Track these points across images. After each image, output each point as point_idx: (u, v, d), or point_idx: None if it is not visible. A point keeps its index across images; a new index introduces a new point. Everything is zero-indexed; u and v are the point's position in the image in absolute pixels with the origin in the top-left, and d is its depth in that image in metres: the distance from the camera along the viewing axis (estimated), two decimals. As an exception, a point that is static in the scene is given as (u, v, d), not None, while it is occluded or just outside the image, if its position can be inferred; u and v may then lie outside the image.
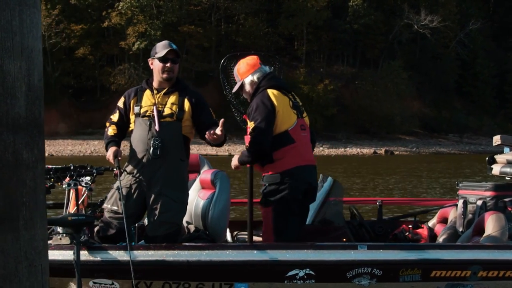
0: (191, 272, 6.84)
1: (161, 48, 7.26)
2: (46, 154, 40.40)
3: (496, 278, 6.96)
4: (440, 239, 8.13)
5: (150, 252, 6.85)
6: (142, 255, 6.82)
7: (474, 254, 6.99)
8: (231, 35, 79.73)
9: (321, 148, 68.86)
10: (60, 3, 73.28)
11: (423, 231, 8.55)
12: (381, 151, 69.58)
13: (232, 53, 8.39)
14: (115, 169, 7.14)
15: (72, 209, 7.50)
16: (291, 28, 78.46)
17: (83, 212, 7.40)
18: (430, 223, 8.73)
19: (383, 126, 76.05)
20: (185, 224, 7.65)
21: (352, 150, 69.79)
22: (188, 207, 7.50)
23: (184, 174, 7.30)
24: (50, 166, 7.43)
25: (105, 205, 7.40)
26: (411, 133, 78.68)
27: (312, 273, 6.78)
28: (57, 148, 64.39)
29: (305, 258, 6.81)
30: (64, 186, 7.45)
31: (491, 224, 7.40)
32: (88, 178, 7.58)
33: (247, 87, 7.52)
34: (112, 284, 6.91)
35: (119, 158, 7.12)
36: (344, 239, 7.59)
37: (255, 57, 7.59)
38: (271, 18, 79.49)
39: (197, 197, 7.62)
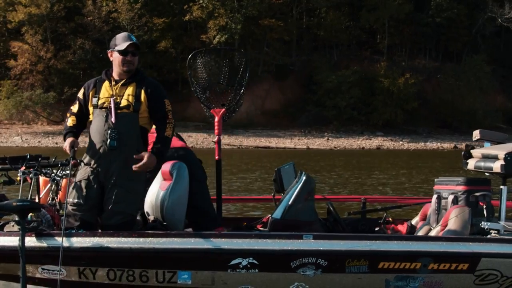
0: (134, 259, 6.91)
1: (121, 41, 7.31)
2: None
3: (448, 271, 6.84)
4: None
5: (94, 239, 6.94)
6: (86, 242, 6.92)
7: (423, 245, 6.87)
8: (312, 29, 79.43)
9: (400, 142, 68.29)
10: (143, -3, 74.12)
11: (404, 228, 8.48)
12: (462, 145, 68.49)
13: (198, 50, 8.71)
14: (71, 160, 7.18)
15: (44, 198, 7.76)
16: (373, 22, 77.80)
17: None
18: (414, 221, 8.62)
19: (464, 121, 74.71)
20: (146, 215, 7.74)
21: (432, 145, 68.90)
22: (150, 198, 7.63)
23: None
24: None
25: (67, 199, 7.36)
26: (494, 128, 77.32)
27: (256, 262, 6.81)
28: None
29: (248, 247, 6.82)
30: (19, 175, 7.70)
31: (453, 218, 7.32)
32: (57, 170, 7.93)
33: None
34: (60, 270, 6.98)
35: (76, 148, 7.21)
36: None
37: None
38: (353, 11, 78.95)
39: (158, 188, 7.67)
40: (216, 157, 8.58)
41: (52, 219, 7.71)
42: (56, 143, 64.97)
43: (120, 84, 7.25)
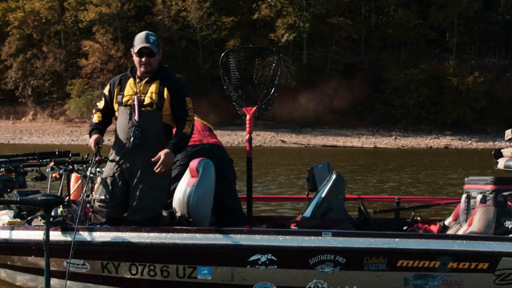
0: (155, 254, 7.03)
1: (138, 42, 7.39)
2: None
3: (468, 270, 6.79)
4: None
5: (116, 234, 7.08)
6: (109, 236, 7.07)
7: (442, 244, 6.83)
8: (381, 27, 78.85)
9: (469, 141, 67.39)
10: (212, -4, 74.53)
11: (436, 228, 8.43)
12: (531, 145, 67.19)
13: (230, 48, 8.78)
14: (95, 156, 7.34)
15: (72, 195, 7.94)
16: (442, 20, 76.85)
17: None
18: (447, 221, 8.56)
19: (535, 120, 73.36)
20: (174, 211, 7.84)
21: (501, 144, 67.54)
22: (178, 194, 7.73)
23: None
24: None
25: (94, 196, 7.61)
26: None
27: (274, 258, 6.85)
28: (207, 138, 65.46)
29: (267, 243, 6.86)
30: (47, 170, 7.87)
31: (477, 217, 7.25)
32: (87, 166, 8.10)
33: None
34: (84, 264, 7.20)
35: (100, 145, 7.37)
36: None
37: None
38: (422, 9, 78.08)
39: (185, 184, 7.76)
40: (248, 155, 8.64)
41: (85, 215, 7.91)
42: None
43: (144, 81, 7.36)
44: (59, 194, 7.90)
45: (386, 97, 72.68)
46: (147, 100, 7.30)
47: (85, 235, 7.12)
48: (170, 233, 7.00)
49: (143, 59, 7.28)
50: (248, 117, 8.63)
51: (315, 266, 6.82)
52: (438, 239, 6.93)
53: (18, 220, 7.90)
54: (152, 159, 7.10)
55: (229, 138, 65.28)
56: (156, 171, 7.08)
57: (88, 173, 7.86)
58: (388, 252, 6.77)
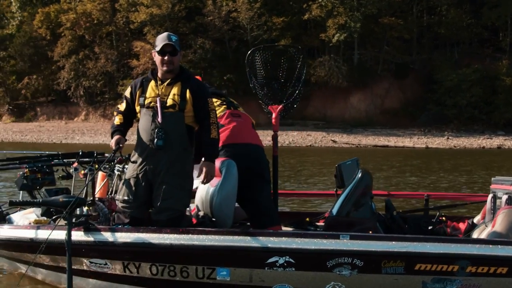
0: (175, 255, 7.06)
1: (160, 41, 7.42)
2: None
3: (487, 275, 6.62)
4: (472, 235, 7.80)
5: (137, 235, 7.13)
6: (130, 237, 7.12)
7: (460, 248, 6.68)
8: (433, 27, 77.98)
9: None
10: (262, -4, 74.52)
11: (464, 226, 8.30)
12: None
13: (256, 47, 8.78)
14: (114, 152, 7.46)
15: (99, 193, 7.98)
16: (495, 19, 75.79)
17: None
18: (476, 219, 8.38)
19: None
20: (197, 209, 7.87)
21: (556, 145, 66.69)
22: (200, 193, 7.74)
23: (188, 163, 7.44)
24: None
25: (117, 197, 7.66)
26: None
27: (292, 261, 6.82)
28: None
29: (285, 246, 6.82)
30: (71, 170, 7.94)
31: (500, 219, 7.08)
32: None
33: None
34: (106, 264, 7.28)
35: (122, 145, 7.43)
36: (370, 232, 7.46)
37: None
38: (474, 9, 77.01)
39: (208, 184, 7.75)
40: (274, 153, 8.59)
41: (110, 213, 7.97)
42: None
43: (165, 83, 7.41)
44: (84, 193, 7.98)
45: (438, 97, 71.92)
46: (169, 102, 7.34)
47: (107, 236, 7.22)
48: (190, 235, 7.02)
49: (166, 58, 7.35)
50: (274, 115, 8.63)
51: (332, 269, 6.77)
52: (456, 243, 6.78)
53: (45, 218, 7.99)
54: (198, 176, 7.37)
55: (279, 138, 64.59)
56: (202, 182, 7.36)
57: (115, 171, 7.96)
58: (405, 255, 6.68)
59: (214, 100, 8.17)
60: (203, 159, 7.39)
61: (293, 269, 6.81)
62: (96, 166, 8.22)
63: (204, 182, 7.33)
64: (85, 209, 7.84)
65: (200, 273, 7.00)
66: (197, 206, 7.90)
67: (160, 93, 7.38)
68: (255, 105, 56.41)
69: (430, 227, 8.34)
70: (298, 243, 6.81)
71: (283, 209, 12.76)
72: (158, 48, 7.37)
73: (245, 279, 6.92)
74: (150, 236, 7.08)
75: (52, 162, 8.73)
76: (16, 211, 8.57)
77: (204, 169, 7.29)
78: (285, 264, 6.81)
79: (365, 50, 76.24)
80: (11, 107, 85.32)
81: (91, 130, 72.72)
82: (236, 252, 6.91)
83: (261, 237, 6.91)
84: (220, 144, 7.83)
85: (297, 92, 8.79)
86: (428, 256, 6.65)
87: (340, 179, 8.50)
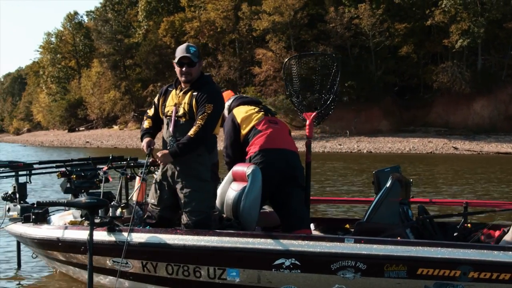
0: (188, 256, 7.34)
1: (178, 53, 7.71)
2: (365, 151, 41.10)
3: (489, 281, 6.58)
4: (504, 240, 7.68)
5: (154, 236, 7.46)
6: (148, 238, 7.45)
7: (462, 253, 6.65)
8: None
9: None
10: (384, 3, 73.85)
11: (497, 234, 8.12)
12: None
13: (293, 55, 8.91)
14: (148, 157, 7.80)
15: (138, 197, 8.30)
16: None
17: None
18: None
19: None
20: (219, 212, 8.06)
21: None
22: (220, 197, 7.92)
23: (203, 167, 7.68)
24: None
25: (148, 199, 8.09)
26: None
27: (298, 263, 6.97)
28: (377, 145, 65.17)
29: (290, 248, 6.98)
30: (101, 174, 8.28)
31: None
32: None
33: (226, 112, 8.42)
34: (127, 263, 7.59)
35: (152, 147, 7.75)
36: (399, 238, 7.46)
37: (227, 91, 8.65)
38: None
39: (229, 188, 8.03)
40: (307, 160, 8.77)
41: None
42: (302, 146, 66.48)
43: (182, 92, 7.73)
44: (116, 196, 8.39)
45: None
46: (180, 111, 7.68)
47: (127, 236, 7.52)
48: (201, 236, 7.29)
49: (183, 69, 7.65)
50: (307, 122, 8.79)
51: (336, 272, 6.88)
52: (458, 248, 6.76)
53: (82, 219, 8.40)
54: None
55: (400, 145, 64.68)
56: (157, 157, 7.62)
57: (143, 175, 8.32)
58: (407, 259, 6.72)
59: (252, 107, 8.45)
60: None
61: (299, 271, 6.97)
62: (129, 170, 8.62)
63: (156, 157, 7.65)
64: (118, 211, 8.25)
65: (212, 273, 7.25)
66: (217, 208, 8.14)
67: (177, 102, 7.70)
68: (378, 111, 56.49)
69: (455, 234, 8.31)
70: (303, 246, 6.96)
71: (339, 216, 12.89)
72: (176, 60, 7.68)
73: (253, 280, 7.13)
74: (165, 237, 7.39)
75: (88, 167, 9.14)
76: (56, 213, 9.02)
77: (159, 154, 7.57)
78: (291, 266, 6.98)
79: (489, 56, 74.58)
80: (136, 114, 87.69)
81: (221, 136, 73.72)
82: (244, 253, 7.12)
83: (268, 239, 7.10)
84: (257, 149, 8.12)
85: (330, 100, 8.89)
86: (430, 261, 6.67)
87: (377, 186, 8.60)
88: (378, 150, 62.71)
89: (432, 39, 74.74)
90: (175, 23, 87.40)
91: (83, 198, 7.63)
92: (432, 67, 74.20)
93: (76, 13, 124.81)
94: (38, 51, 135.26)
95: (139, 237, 7.50)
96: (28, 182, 9.23)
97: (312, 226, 8.86)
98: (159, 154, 7.55)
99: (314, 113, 8.86)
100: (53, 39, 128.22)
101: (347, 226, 8.92)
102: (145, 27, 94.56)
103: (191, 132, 7.50)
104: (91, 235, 7.41)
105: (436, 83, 71.90)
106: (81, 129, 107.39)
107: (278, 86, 75.59)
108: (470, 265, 6.60)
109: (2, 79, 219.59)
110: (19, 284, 8.87)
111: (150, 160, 7.96)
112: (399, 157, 50.20)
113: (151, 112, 8.03)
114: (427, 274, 6.70)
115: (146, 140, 7.84)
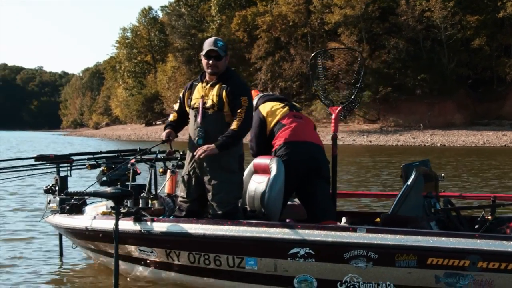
0: (208, 245, 7.57)
1: (206, 46, 7.90)
2: (438, 144, 40.58)
3: (498, 270, 6.56)
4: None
5: (176, 225, 7.74)
6: (170, 227, 7.74)
7: (470, 243, 6.67)
8: None
9: None
10: (457, -5, 73.18)
11: None
12: None
13: (318, 50, 9.03)
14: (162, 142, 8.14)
15: (168, 189, 8.57)
16: None
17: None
18: None
19: None
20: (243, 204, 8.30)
21: None
22: (248, 189, 8.13)
23: (230, 158, 7.84)
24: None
25: (176, 192, 8.40)
26: None
27: (312, 252, 7.10)
28: (450, 138, 64.61)
29: (304, 237, 7.12)
30: (129, 166, 8.57)
31: None
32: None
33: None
34: (152, 252, 7.86)
35: (171, 138, 8.08)
36: None
37: (253, 90, 8.66)
38: None
39: (251, 180, 8.24)
40: (333, 153, 8.93)
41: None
42: (370, 141, 66.31)
43: (208, 85, 7.92)
44: (147, 188, 8.71)
45: None
46: (209, 103, 7.84)
47: (151, 226, 7.87)
48: (220, 225, 7.51)
49: (210, 62, 7.84)
50: (333, 116, 8.96)
51: (349, 261, 6.98)
52: (466, 238, 6.77)
53: (111, 210, 8.72)
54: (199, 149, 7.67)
55: (474, 138, 63.95)
56: (196, 154, 7.68)
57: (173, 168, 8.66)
58: (417, 249, 6.78)
59: (277, 103, 8.67)
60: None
61: (313, 260, 7.10)
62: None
63: (195, 155, 7.69)
64: (150, 202, 8.58)
65: (231, 262, 7.46)
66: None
67: (204, 94, 7.90)
68: (451, 104, 56.00)
69: (476, 226, 8.36)
70: (317, 235, 7.10)
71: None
72: (203, 53, 7.88)
73: (270, 268, 7.30)
74: (186, 226, 7.65)
75: (117, 159, 9.48)
76: (92, 204, 9.38)
77: (205, 148, 7.62)
78: (306, 255, 7.11)
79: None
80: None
81: (287, 129, 73.92)
82: (261, 242, 7.30)
83: (283, 229, 7.26)
84: (282, 142, 8.31)
85: (354, 94, 9.06)
86: (439, 250, 6.72)
87: (405, 180, 8.72)
88: (452, 144, 62.13)
89: (505, 32, 73.61)
90: (248, 17, 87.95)
91: (109, 189, 7.92)
92: (505, 59, 73.15)
93: (150, 8, 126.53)
94: (114, 46, 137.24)
95: (162, 227, 7.77)
96: (68, 176, 9.57)
97: (343, 219, 8.99)
98: (204, 147, 7.64)
99: (340, 108, 9.03)
100: (128, 34, 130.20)
101: (378, 219, 9.04)
102: (218, 21, 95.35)
103: (234, 125, 7.67)
104: (116, 224, 7.71)
105: (510, 75, 70.95)
106: (158, 123, 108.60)
107: (350, 80, 75.22)
108: (478, 255, 6.61)
109: (81, 74, 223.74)
110: (60, 273, 9.21)
111: (168, 151, 8.56)
112: (473, 151, 49.71)
113: (176, 106, 8.28)
114: (436, 264, 6.73)
115: (166, 131, 8.13)
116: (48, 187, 9.39)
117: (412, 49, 74.93)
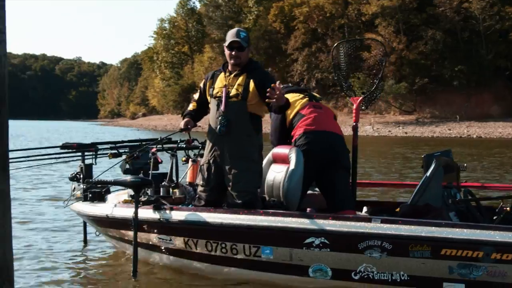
0: (225, 233, 7.66)
1: (229, 37, 8.00)
2: (475, 136, 40.37)
3: None
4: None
5: (194, 214, 7.83)
6: (188, 216, 7.83)
7: (484, 235, 6.65)
8: None
9: None
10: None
11: None
12: None
13: (340, 41, 9.02)
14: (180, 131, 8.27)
15: (189, 178, 8.66)
16: None
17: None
18: None
19: None
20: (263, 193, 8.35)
21: None
22: (267, 178, 8.19)
23: (252, 147, 7.94)
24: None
25: (197, 181, 8.46)
26: None
27: (327, 242, 7.14)
28: (487, 130, 64.26)
29: (320, 227, 7.17)
30: (149, 155, 8.66)
31: None
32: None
33: None
34: (170, 240, 8.00)
35: (190, 127, 8.16)
36: None
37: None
38: None
39: (270, 170, 8.29)
40: (353, 143, 8.95)
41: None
42: (406, 133, 66.06)
43: (232, 75, 7.99)
44: (168, 177, 8.81)
45: None
46: (233, 92, 7.91)
47: (170, 214, 7.97)
48: (237, 214, 7.59)
49: (233, 53, 7.91)
50: (354, 106, 8.99)
51: (364, 251, 7.02)
52: (480, 229, 6.76)
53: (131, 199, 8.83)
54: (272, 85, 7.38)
55: (511, 130, 63.41)
56: (269, 94, 7.34)
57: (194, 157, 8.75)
58: (431, 240, 6.79)
59: (296, 95, 8.72)
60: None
61: (328, 249, 7.15)
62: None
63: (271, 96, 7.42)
64: (171, 191, 8.68)
65: (247, 250, 7.53)
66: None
67: (227, 84, 7.96)
68: (488, 96, 55.88)
69: (495, 217, 8.34)
70: (332, 225, 7.14)
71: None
72: (226, 43, 7.96)
73: (286, 257, 7.35)
74: (204, 215, 7.73)
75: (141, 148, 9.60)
76: (114, 192, 9.50)
77: (279, 92, 7.35)
78: (321, 245, 7.15)
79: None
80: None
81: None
82: (277, 231, 7.36)
83: (298, 218, 7.32)
84: (301, 132, 8.34)
85: (375, 85, 9.08)
86: (452, 241, 6.71)
87: (426, 170, 8.73)
88: (488, 135, 61.72)
89: (544, 23, 72.85)
90: (285, 8, 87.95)
91: (128, 177, 8.03)
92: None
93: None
94: (152, 37, 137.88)
95: (180, 215, 7.86)
96: (93, 164, 9.71)
97: (364, 208, 9.01)
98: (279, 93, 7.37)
99: (361, 98, 9.06)
100: (166, 25, 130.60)
101: (398, 209, 9.06)
102: (255, 12, 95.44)
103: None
104: (136, 212, 7.84)
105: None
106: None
107: (388, 71, 75.14)
108: (492, 246, 6.60)
109: (119, 65, 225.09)
110: (83, 260, 9.31)
111: (187, 140, 8.79)
112: (510, 142, 49.39)
113: (196, 96, 8.37)
114: (450, 254, 6.73)
115: (185, 120, 8.22)
116: (73, 175, 9.52)
117: (449, 40, 74.43)
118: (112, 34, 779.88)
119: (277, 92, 7.32)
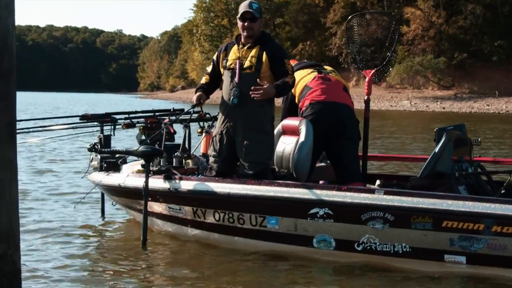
0: (232, 203, 7.78)
1: (241, 8, 8.09)
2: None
3: None
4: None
5: (203, 184, 7.96)
6: (197, 186, 7.96)
7: (485, 207, 6.72)
8: None
9: None
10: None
11: None
12: None
13: (354, 14, 9.01)
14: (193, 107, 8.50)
15: (202, 148, 8.79)
16: None
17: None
18: None
19: None
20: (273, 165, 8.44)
21: None
22: (277, 150, 8.28)
23: (264, 119, 8.04)
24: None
25: (209, 152, 8.53)
26: None
27: (331, 212, 7.26)
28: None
29: (324, 198, 7.28)
30: (162, 126, 8.79)
31: None
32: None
33: None
34: (180, 209, 8.14)
35: (202, 101, 8.31)
36: None
37: (292, 60, 8.67)
38: None
39: (279, 141, 8.37)
40: (365, 116, 8.96)
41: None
42: (444, 108, 65.57)
43: (246, 47, 8.08)
44: (181, 147, 8.92)
45: None
46: (247, 64, 8.00)
47: (180, 184, 8.10)
48: (243, 185, 7.71)
49: (246, 24, 8.01)
50: (367, 79, 9.02)
51: (367, 222, 7.12)
52: (481, 202, 6.83)
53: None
54: (258, 80, 7.78)
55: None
56: (252, 95, 7.68)
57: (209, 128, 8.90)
58: (432, 212, 6.87)
59: (305, 70, 8.78)
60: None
61: (332, 220, 7.26)
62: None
63: (253, 94, 7.67)
64: (184, 162, 8.80)
65: (254, 220, 7.65)
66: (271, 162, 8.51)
67: (240, 56, 8.05)
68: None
69: (503, 191, 8.35)
70: (336, 196, 7.25)
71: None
72: (239, 15, 8.05)
73: (291, 228, 7.48)
74: (212, 185, 7.86)
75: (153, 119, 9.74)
76: (130, 162, 9.63)
77: (265, 87, 7.64)
78: (325, 216, 7.26)
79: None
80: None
81: (360, 96, 73.19)
82: (282, 202, 7.47)
83: (303, 189, 7.42)
84: (308, 102, 8.43)
85: (388, 57, 9.10)
86: (454, 214, 6.79)
87: (437, 144, 8.76)
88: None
89: None
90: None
91: (140, 147, 8.17)
92: None
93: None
94: (192, 10, 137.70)
95: (189, 185, 7.99)
96: (112, 135, 9.83)
97: (377, 181, 9.05)
98: (266, 87, 7.66)
99: (373, 70, 9.08)
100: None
101: (408, 184, 9.09)
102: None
103: (288, 79, 7.88)
104: (146, 182, 7.98)
105: None
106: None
107: (426, 46, 74.58)
108: (493, 218, 6.67)
109: (159, 38, 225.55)
110: (100, 230, 9.46)
111: (199, 114, 8.98)
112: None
113: (209, 69, 8.45)
114: (451, 227, 6.81)
115: (198, 94, 8.32)
116: (92, 145, 9.67)
117: (489, 15, 73.47)
118: (153, 7, 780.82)
119: (261, 91, 7.59)
